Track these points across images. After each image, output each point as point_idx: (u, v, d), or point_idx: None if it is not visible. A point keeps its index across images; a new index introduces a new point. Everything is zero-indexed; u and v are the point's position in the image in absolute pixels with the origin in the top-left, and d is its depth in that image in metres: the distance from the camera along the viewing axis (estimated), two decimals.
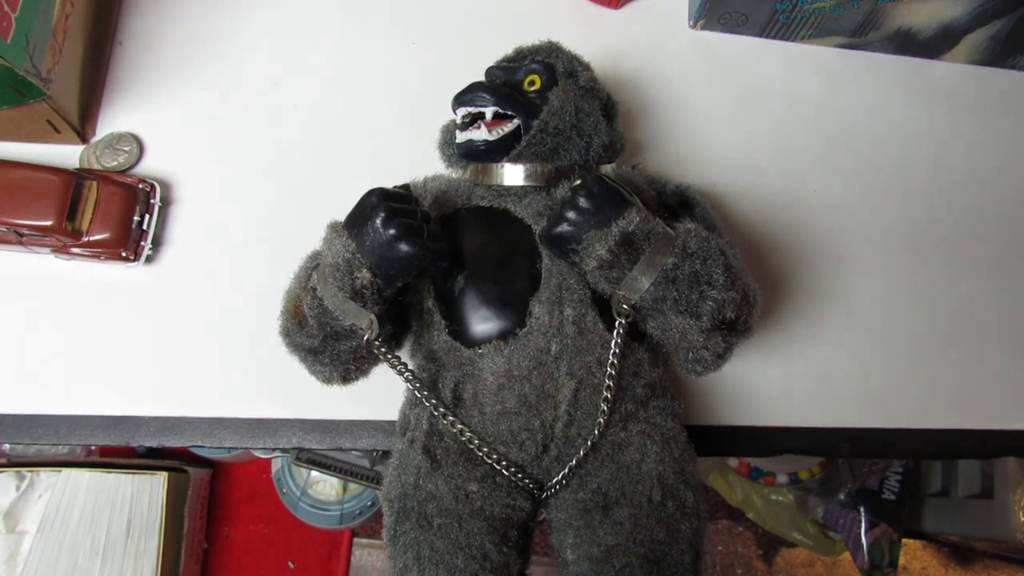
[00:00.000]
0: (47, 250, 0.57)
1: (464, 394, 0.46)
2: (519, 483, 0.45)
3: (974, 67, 0.65)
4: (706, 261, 0.43)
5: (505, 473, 0.45)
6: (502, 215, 0.48)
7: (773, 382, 0.57)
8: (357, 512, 1.30)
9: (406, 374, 0.45)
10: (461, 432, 0.45)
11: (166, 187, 0.60)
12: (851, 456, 0.55)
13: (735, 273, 0.44)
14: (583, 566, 0.44)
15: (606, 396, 0.44)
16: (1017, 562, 1.32)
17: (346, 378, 0.48)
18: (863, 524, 1.20)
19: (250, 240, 0.59)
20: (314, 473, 1.30)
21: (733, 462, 1.28)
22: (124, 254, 0.57)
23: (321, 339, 0.44)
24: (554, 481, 0.45)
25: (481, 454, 0.45)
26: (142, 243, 0.58)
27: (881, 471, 1.20)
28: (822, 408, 0.57)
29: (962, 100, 0.65)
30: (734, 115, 0.63)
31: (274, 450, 1.16)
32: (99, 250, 0.56)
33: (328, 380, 0.47)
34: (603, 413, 0.44)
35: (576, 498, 0.45)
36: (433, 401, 0.45)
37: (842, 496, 1.22)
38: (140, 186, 0.58)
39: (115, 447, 1.36)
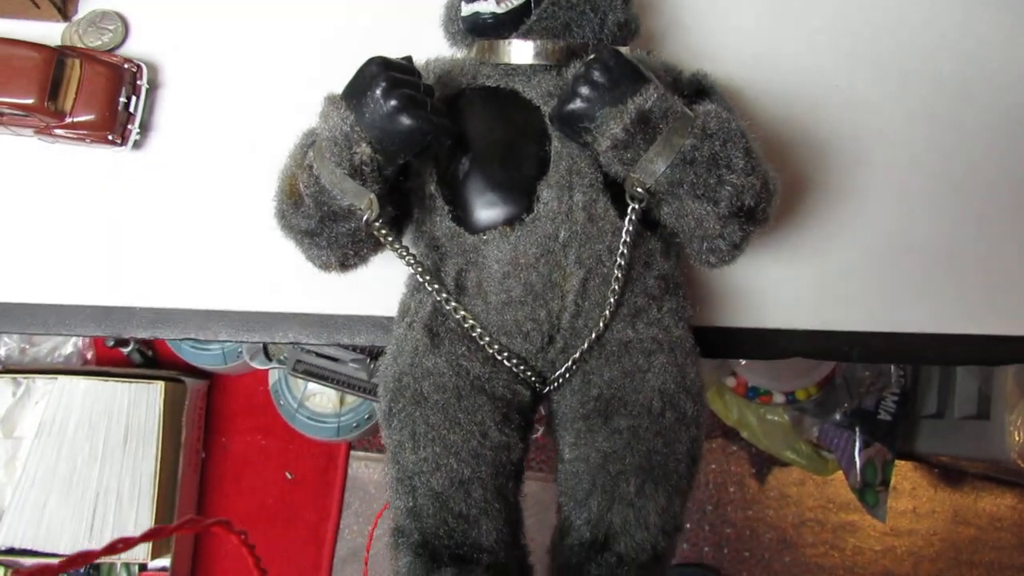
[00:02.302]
0: (30, 132, 0.54)
1: (467, 283, 0.44)
2: (521, 375, 0.44)
3: None
4: (726, 143, 0.41)
5: (507, 364, 0.44)
6: (510, 95, 0.45)
7: (784, 284, 0.55)
8: (354, 425, 1.31)
9: (407, 257, 0.43)
10: (464, 319, 0.43)
11: (153, 70, 0.57)
12: (860, 360, 0.54)
13: (756, 158, 0.42)
14: (579, 466, 0.44)
15: (615, 288, 0.42)
16: (1005, 483, 1.34)
17: (344, 264, 0.46)
18: (858, 444, 1.21)
19: (242, 125, 0.56)
20: (311, 385, 1.30)
21: (731, 382, 1.28)
22: (111, 137, 0.54)
23: (318, 220, 0.42)
24: (557, 374, 0.44)
25: (483, 343, 0.43)
26: (129, 127, 0.55)
27: (878, 392, 1.20)
28: (833, 311, 0.55)
29: None
30: (753, 4, 0.60)
31: (271, 354, 1.16)
32: (84, 132, 0.54)
33: (326, 265, 0.46)
34: (611, 305, 0.43)
35: (579, 401, 0.44)
36: (436, 286, 0.43)
37: (838, 416, 1.23)
38: (126, 66, 0.55)
39: (111, 356, 1.35)
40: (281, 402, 1.32)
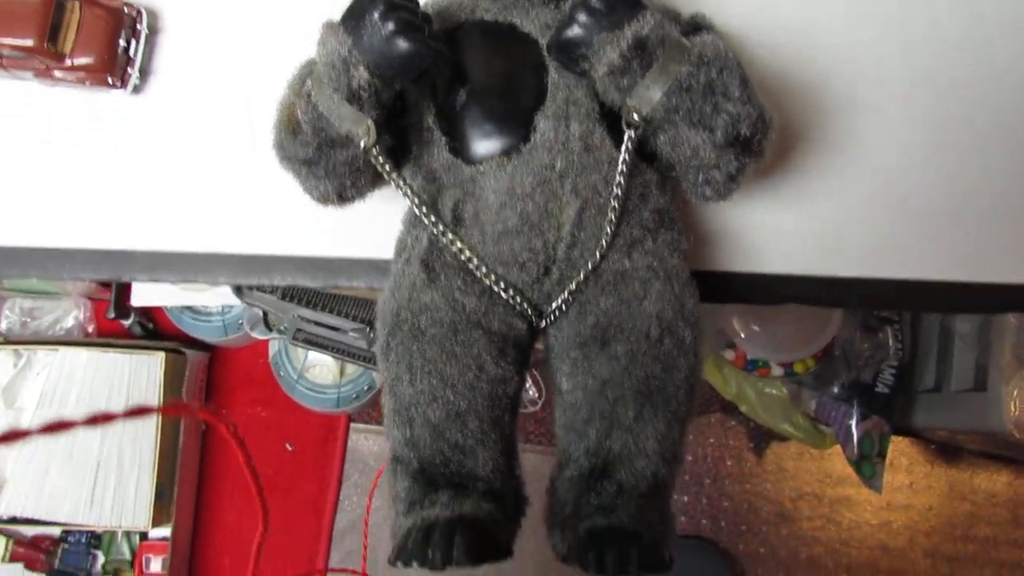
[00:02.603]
0: (30, 75, 0.55)
1: (464, 214, 0.44)
2: (517, 307, 0.44)
3: None
4: (722, 71, 0.41)
5: (504, 296, 0.44)
6: (507, 28, 0.45)
7: (783, 230, 0.56)
8: (354, 396, 1.31)
9: (404, 188, 0.43)
10: (460, 251, 0.44)
11: (153, 15, 0.57)
12: (858, 306, 0.54)
13: (751, 89, 0.42)
14: (577, 395, 0.44)
15: (611, 218, 0.43)
16: (1002, 459, 1.35)
17: (342, 196, 0.46)
18: (855, 416, 1.22)
19: (240, 72, 0.57)
20: (311, 356, 1.31)
21: (729, 355, 1.28)
22: (110, 80, 0.54)
23: (316, 147, 0.42)
24: (554, 306, 0.45)
25: (480, 274, 0.44)
26: (128, 70, 0.55)
27: (876, 364, 1.20)
28: (831, 258, 0.56)
29: None
30: None
31: (271, 324, 1.16)
32: (83, 75, 0.54)
33: (323, 197, 0.46)
34: (607, 236, 0.43)
35: (575, 330, 0.44)
36: (432, 218, 0.44)
37: (836, 389, 1.23)
38: (126, 11, 0.55)
39: (112, 328, 1.36)
40: (281, 373, 1.33)
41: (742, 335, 1.21)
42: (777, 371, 1.26)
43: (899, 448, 1.38)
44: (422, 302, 0.44)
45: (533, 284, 0.44)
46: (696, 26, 0.49)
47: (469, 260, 0.44)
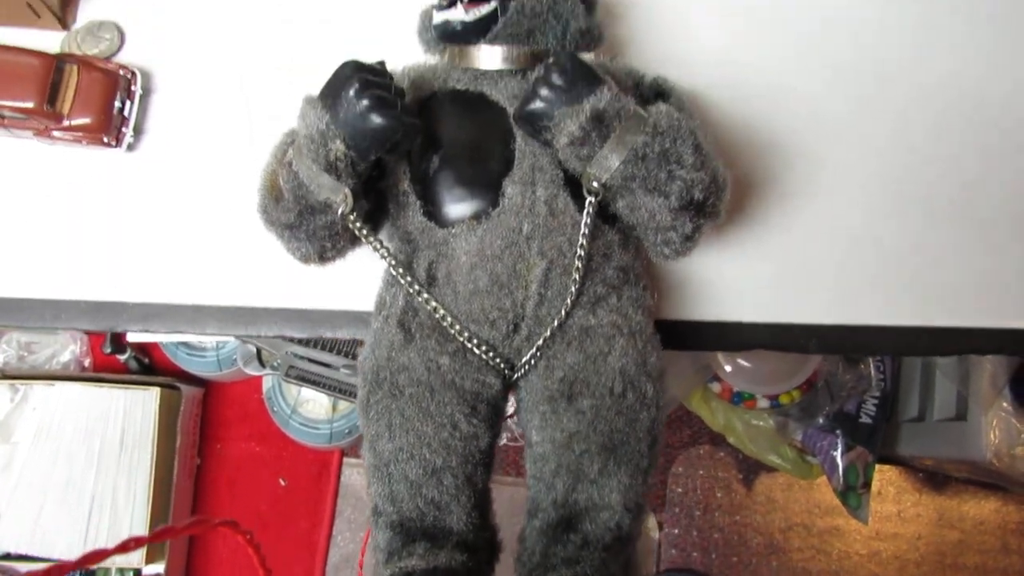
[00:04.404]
0: (29, 134, 0.57)
1: (438, 273, 0.47)
2: (490, 362, 0.47)
3: None
4: (676, 140, 0.43)
5: (476, 352, 0.46)
6: (478, 98, 0.48)
7: (745, 278, 0.58)
8: (346, 431, 1.33)
9: (381, 251, 0.46)
10: (435, 310, 0.46)
11: (147, 76, 0.60)
12: (817, 351, 0.57)
13: (705, 155, 0.45)
14: (546, 448, 0.46)
15: (575, 278, 0.45)
16: (988, 486, 1.36)
17: (323, 256, 0.48)
18: (840, 447, 1.23)
19: (228, 131, 0.59)
20: (304, 392, 1.33)
21: (716, 388, 1.30)
22: (106, 140, 0.57)
23: (297, 213, 0.45)
24: (524, 361, 0.47)
25: (453, 332, 0.46)
26: (123, 130, 0.58)
27: (859, 395, 1.22)
28: (792, 305, 0.58)
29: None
30: (718, 13, 0.63)
31: (264, 361, 1.18)
32: (80, 134, 0.57)
33: (305, 258, 0.48)
34: (572, 294, 0.45)
35: (544, 385, 0.47)
36: (408, 279, 0.46)
37: (821, 420, 1.25)
38: (121, 73, 0.58)
39: (108, 363, 1.38)
40: (275, 409, 1.34)
41: (727, 369, 1.23)
42: (763, 403, 1.27)
43: (886, 477, 1.40)
44: (400, 362, 0.46)
45: (503, 340, 0.46)
46: (658, 88, 0.52)
47: (443, 319, 0.46)
